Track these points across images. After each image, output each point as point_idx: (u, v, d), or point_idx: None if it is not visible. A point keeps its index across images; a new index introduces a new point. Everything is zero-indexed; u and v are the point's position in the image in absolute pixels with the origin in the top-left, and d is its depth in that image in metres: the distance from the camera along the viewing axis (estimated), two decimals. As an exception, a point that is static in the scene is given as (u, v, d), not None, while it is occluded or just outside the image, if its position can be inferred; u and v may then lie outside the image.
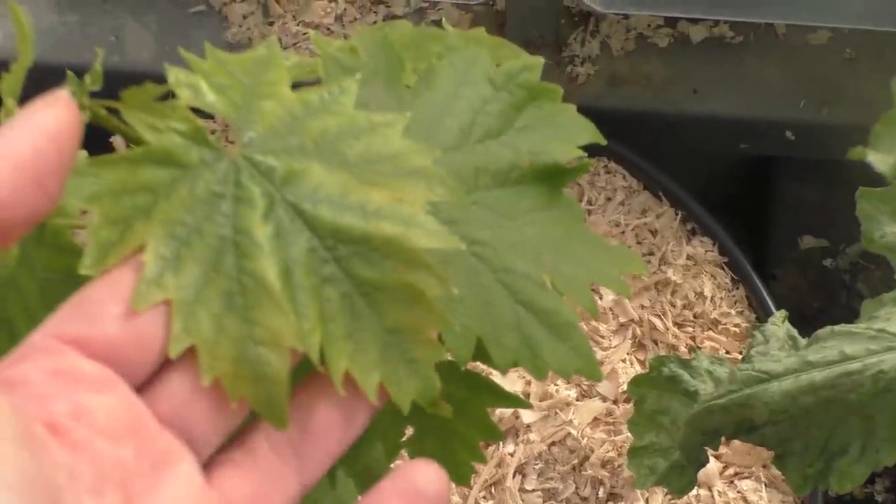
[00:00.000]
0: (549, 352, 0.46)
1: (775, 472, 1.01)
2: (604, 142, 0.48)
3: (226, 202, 0.40)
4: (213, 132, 0.41)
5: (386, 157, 0.41)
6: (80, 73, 0.44)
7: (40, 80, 0.44)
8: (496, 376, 0.90)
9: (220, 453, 0.41)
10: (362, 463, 0.54)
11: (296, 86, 0.42)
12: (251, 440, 0.41)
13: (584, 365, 0.46)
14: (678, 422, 0.81)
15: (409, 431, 0.56)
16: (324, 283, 0.40)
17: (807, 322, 0.77)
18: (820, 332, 0.71)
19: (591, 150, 0.48)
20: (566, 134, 0.48)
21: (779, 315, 0.78)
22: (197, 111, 0.40)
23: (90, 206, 0.38)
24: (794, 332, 0.76)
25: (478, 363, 0.48)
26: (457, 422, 0.55)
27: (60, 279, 0.45)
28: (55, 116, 0.36)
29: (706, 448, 0.79)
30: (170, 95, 0.41)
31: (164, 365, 0.40)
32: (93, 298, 0.38)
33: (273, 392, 0.39)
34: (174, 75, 0.41)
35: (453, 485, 1.00)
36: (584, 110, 0.49)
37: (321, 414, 0.41)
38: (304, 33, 1.22)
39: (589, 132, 0.48)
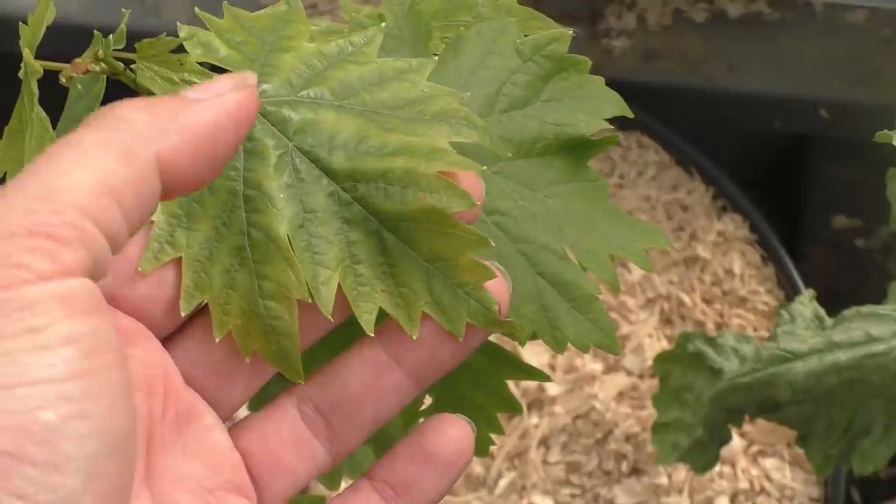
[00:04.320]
0: (568, 324, 0.46)
1: (799, 451, 1.01)
2: (631, 115, 0.48)
3: (237, 156, 0.40)
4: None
5: (410, 102, 0.41)
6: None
7: (76, 41, 0.44)
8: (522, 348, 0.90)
9: (248, 418, 0.42)
10: (379, 429, 0.54)
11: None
12: (281, 408, 0.41)
13: (603, 338, 0.46)
14: (702, 399, 0.81)
15: (428, 401, 0.56)
16: (348, 226, 0.40)
17: (838, 302, 0.77)
18: (846, 312, 0.71)
19: (624, 124, 0.47)
20: (592, 106, 0.48)
21: (806, 294, 0.78)
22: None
23: None
24: (822, 311, 0.76)
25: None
26: (475, 393, 0.55)
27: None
28: (239, 99, 0.37)
29: (730, 425, 0.79)
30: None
31: (183, 326, 0.40)
32: (127, 257, 0.39)
33: (284, 345, 0.40)
34: (186, 31, 0.41)
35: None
36: (618, 84, 0.48)
37: (355, 389, 0.41)
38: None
39: (616, 104, 0.48)
